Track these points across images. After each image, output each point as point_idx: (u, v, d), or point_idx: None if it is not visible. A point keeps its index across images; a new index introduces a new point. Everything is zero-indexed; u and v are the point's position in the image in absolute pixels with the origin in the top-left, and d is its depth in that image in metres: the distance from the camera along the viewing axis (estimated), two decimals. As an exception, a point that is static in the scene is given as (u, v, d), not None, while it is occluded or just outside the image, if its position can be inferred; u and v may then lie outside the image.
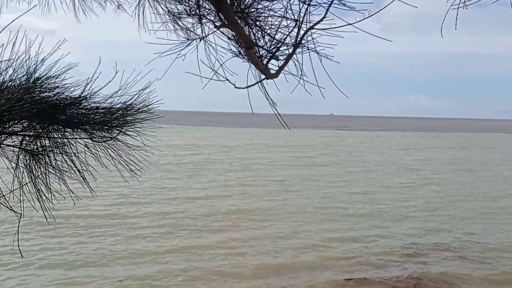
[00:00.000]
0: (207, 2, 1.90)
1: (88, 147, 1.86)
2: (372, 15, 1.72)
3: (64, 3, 2.88)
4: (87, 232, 10.85)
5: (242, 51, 2.03)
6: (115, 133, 1.89)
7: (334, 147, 36.18)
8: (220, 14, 1.85)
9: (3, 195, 1.56)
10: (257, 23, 2.00)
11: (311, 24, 1.86)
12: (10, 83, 1.70)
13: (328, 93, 2.06)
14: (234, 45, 2.05)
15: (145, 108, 2.00)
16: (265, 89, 2.02)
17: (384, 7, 1.69)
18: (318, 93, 2.03)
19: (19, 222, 1.58)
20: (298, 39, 1.87)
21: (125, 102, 1.93)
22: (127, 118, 1.94)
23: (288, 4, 1.88)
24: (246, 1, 1.96)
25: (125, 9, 3.01)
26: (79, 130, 1.85)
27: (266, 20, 2.02)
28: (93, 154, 1.88)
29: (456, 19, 1.92)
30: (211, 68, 1.94)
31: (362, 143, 43.24)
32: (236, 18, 1.88)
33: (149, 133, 1.98)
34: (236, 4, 1.93)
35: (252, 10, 2.00)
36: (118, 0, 2.97)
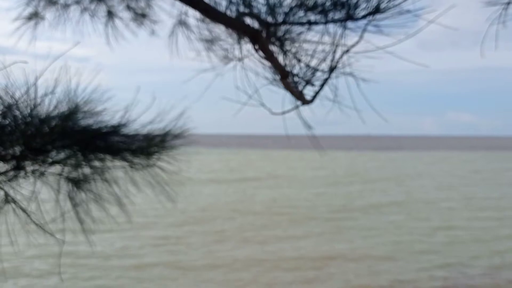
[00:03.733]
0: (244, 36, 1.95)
1: (127, 173, 1.90)
2: (410, 36, 1.71)
3: (97, 31, 2.96)
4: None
5: (277, 78, 2.05)
6: (153, 160, 1.92)
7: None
8: (255, 47, 1.90)
9: (47, 222, 1.61)
10: (293, 50, 2.02)
11: (346, 48, 1.87)
12: (52, 112, 1.76)
13: (364, 112, 2.03)
14: (269, 72, 2.07)
15: (182, 132, 2.03)
16: (301, 114, 2.03)
17: (422, 28, 1.67)
18: (353, 113, 2.01)
19: (61, 248, 1.62)
20: (334, 63, 1.88)
21: (163, 128, 1.97)
22: (164, 144, 1.97)
23: (324, 28, 1.89)
24: (282, 29, 1.99)
25: (159, 36, 3.06)
26: (118, 157, 1.90)
27: (301, 45, 2.03)
28: (131, 180, 1.91)
29: (496, 39, 1.89)
30: (246, 93, 1.96)
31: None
32: (272, 48, 1.92)
33: (186, 157, 2.01)
34: (271, 32, 1.96)
35: (287, 37, 2.02)
36: (152, 26, 3.03)
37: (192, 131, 1.99)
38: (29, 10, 2.91)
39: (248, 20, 1.91)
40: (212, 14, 1.90)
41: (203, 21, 1.91)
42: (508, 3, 1.95)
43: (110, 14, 2.85)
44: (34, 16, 2.92)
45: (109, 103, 1.90)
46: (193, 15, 2.71)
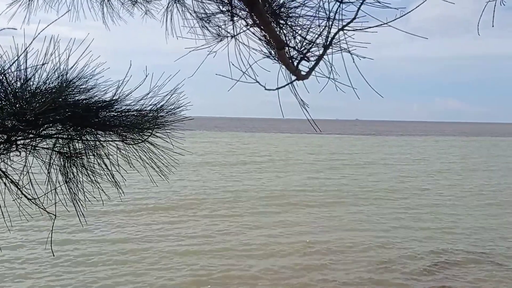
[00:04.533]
0: (240, 1, 1.91)
1: (119, 149, 1.88)
2: (405, 14, 1.70)
3: (93, 10, 2.90)
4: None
5: (273, 52, 2.03)
6: (146, 135, 1.90)
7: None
8: (252, 14, 1.85)
9: (38, 197, 1.59)
10: (289, 23, 1.99)
11: (343, 24, 1.84)
12: (44, 86, 1.73)
13: (353, 98, 2.01)
14: (265, 46, 2.04)
15: (176, 110, 2.01)
16: (296, 91, 2.01)
17: (418, 6, 1.66)
18: (343, 99, 2.00)
19: (53, 222, 1.61)
20: (329, 39, 1.86)
21: (155, 104, 1.94)
22: (157, 120, 1.95)
23: (321, 2, 1.86)
24: (278, 1, 1.96)
25: (153, 14, 3.01)
26: (111, 132, 1.87)
27: (297, 20, 2.00)
28: (124, 156, 1.89)
29: (493, 16, 1.88)
30: (240, 70, 1.93)
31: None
32: (268, 18, 1.88)
33: (179, 137, 1.99)
34: (268, 4, 1.93)
35: (284, 10, 1.99)
36: (146, 6, 2.98)
37: (186, 113, 1.98)
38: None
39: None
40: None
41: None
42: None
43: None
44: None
45: (101, 79, 1.87)
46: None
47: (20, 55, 1.45)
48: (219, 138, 52.32)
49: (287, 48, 1.95)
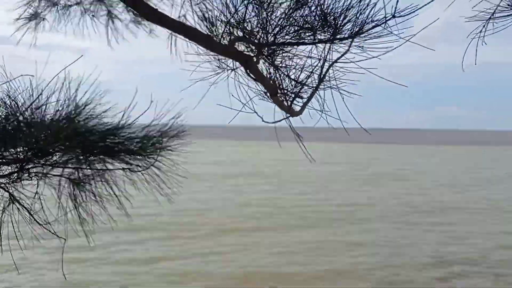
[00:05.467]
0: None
1: (125, 174, 1.98)
2: (394, 48, 1.80)
3: (98, 32, 3.01)
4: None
5: (267, 95, 2.16)
6: (151, 160, 2.00)
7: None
8: (247, 71, 2.01)
9: (49, 222, 1.68)
10: (282, 66, 2.11)
11: (332, 61, 1.97)
12: (54, 115, 1.83)
13: (358, 107, 2.11)
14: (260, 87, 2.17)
15: (179, 134, 2.10)
16: (291, 123, 2.13)
17: (399, 45, 1.75)
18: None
19: (63, 246, 1.71)
20: (321, 76, 1.98)
21: (159, 130, 2.05)
22: (162, 145, 2.05)
23: (313, 46, 1.99)
24: (271, 49, 2.08)
25: (156, 35, 3.11)
26: (117, 158, 1.97)
27: (291, 59, 2.12)
28: (130, 180, 1.99)
29: (476, 55, 1.97)
30: (239, 101, 2.05)
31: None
32: (262, 67, 2.03)
33: (183, 160, 2.08)
34: (261, 50, 2.05)
35: (277, 52, 2.11)
36: (149, 25, 3.10)
37: (187, 122, 2.05)
38: (30, 11, 2.95)
39: (240, 45, 2.02)
40: (208, 44, 2.01)
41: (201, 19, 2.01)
42: (488, 19, 2.02)
43: (110, 15, 2.91)
44: (34, 17, 2.96)
45: (108, 104, 1.95)
46: (191, 17, 2.78)
47: (35, 99, 1.56)
48: (222, 147, 52.10)
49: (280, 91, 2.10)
